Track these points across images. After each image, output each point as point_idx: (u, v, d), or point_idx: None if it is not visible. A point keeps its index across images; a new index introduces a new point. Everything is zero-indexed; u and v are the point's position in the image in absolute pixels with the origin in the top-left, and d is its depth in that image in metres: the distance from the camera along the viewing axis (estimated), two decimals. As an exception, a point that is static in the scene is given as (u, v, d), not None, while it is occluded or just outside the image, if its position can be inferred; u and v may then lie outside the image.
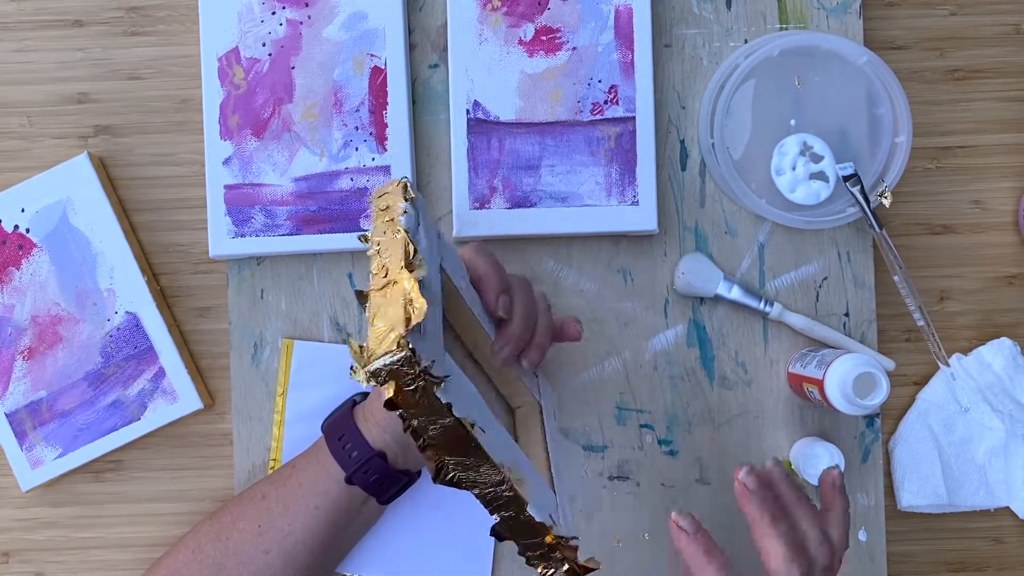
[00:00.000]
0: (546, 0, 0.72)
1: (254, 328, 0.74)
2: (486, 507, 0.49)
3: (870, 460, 0.74)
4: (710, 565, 0.58)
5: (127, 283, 0.73)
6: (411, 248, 0.48)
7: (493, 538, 0.53)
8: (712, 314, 0.74)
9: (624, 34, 0.72)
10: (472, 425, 0.46)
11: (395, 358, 0.42)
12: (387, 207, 0.53)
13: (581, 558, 0.52)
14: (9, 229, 0.73)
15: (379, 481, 0.64)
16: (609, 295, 0.74)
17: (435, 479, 0.48)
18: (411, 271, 0.46)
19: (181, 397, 0.73)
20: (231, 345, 0.74)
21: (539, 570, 0.52)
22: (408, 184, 0.54)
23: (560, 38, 0.72)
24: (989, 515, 0.76)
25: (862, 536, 0.73)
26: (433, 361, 0.43)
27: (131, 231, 0.75)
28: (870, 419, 0.74)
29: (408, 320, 0.43)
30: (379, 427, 0.63)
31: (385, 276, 0.47)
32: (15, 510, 0.75)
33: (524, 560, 0.52)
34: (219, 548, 0.65)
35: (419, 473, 0.68)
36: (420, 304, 0.44)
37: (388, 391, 0.43)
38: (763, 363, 0.74)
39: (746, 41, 0.74)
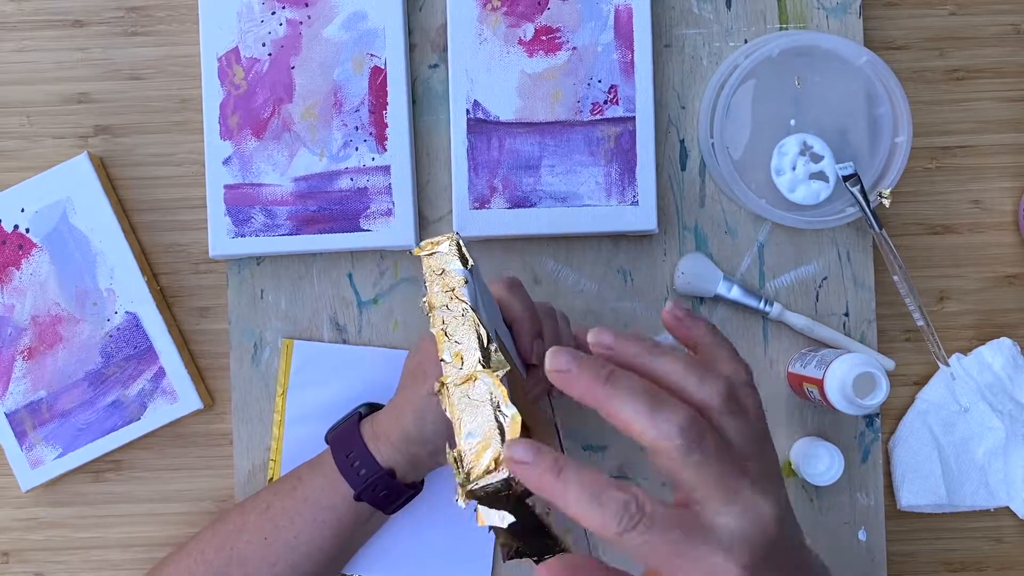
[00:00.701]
0: (546, 0, 0.72)
1: (254, 328, 0.74)
2: (537, 563, 0.49)
3: (870, 460, 0.74)
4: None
5: (127, 283, 0.73)
6: (484, 334, 0.47)
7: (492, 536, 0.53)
8: (712, 314, 0.74)
9: (624, 34, 0.72)
10: (547, 514, 0.46)
11: (497, 479, 0.42)
12: (443, 271, 0.51)
13: None
14: (9, 229, 0.73)
15: (387, 497, 0.64)
16: (609, 295, 0.74)
17: (506, 559, 0.47)
18: (490, 366, 0.46)
19: (181, 397, 0.73)
20: (231, 345, 0.74)
21: None
22: (461, 244, 0.52)
23: (560, 38, 0.72)
24: (989, 515, 0.76)
25: (862, 536, 0.73)
26: None
27: (131, 231, 0.75)
28: (870, 419, 0.74)
29: (502, 433, 0.43)
30: (389, 445, 0.63)
31: (461, 368, 0.47)
32: (15, 510, 0.75)
33: None
34: (223, 557, 0.64)
35: (423, 483, 0.68)
36: (514, 416, 0.44)
37: (494, 520, 0.43)
38: (763, 363, 0.74)
39: (746, 41, 0.74)
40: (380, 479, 0.63)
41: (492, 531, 0.46)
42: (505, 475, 0.42)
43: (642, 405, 0.39)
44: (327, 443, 0.67)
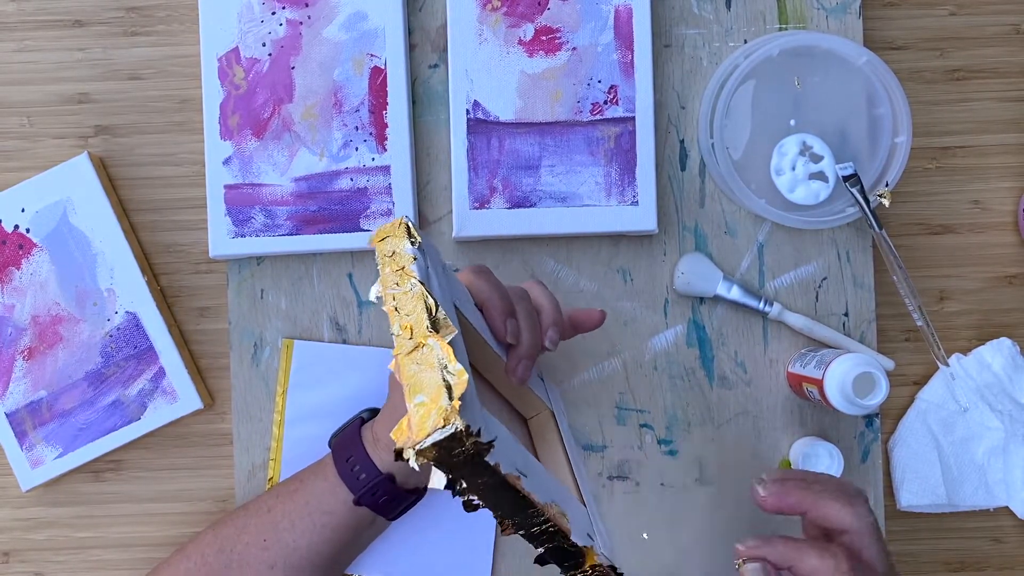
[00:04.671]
0: (546, 0, 0.72)
1: (254, 328, 0.74)
2: (531, 542, 0.48)
3: (869, 460, 0.74)
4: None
5: (127, 283, 0.73)
6: (432, 303, 0.47)
7: (493, 540, 0.52)
8: (712, 314, 0.74)
9: (624, 34, 0.72)
10: (518, 477, 0.45)
11: (445, 435, 0.41)
12: (393, 253, 0.51)
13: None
14: (9, 229, 0.73)
15: (388, 502, 0.64)
16: (609, 295, 0.74)
17: (503, 533, 0.47)
18: (438, 331, 0.45)
19: (181, 397, 0.73)
20: (231, 345, 0.74)
21: None
22: (410, 225, 0.52)
23: (560, 38, 0.72)
24: (988, 515, 0.76)
25: (862, 536, 0.73)
26: (480, 428, 0.42)
27: (131, 231, 0.75)
28: (869, 419, 0.74)
29: (450, 390, 0.42)
30: (388, 449, 0.63)
31: (411, 338, 0.46)
32: (15, 510, 0.75)
33: None
34: (223, 559, 0.64)
35: (426, 489, 0.68)
36: (459, 372, 0.43)
37: (438, 473, 0.42)
38: (763, 363, 0.74)
39: (746, 41, 0.74)
40: (380, 484, 0.63)
41: (463, 501, 0.45)
42: (452, 430, 0.41)
43: (841, 500, 0.55)
44: (330, 447, 0.67)
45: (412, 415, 0.42)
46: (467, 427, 0.41)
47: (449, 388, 0.42)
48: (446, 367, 0.43)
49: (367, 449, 0.64)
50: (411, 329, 0.46)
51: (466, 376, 0.43)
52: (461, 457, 0.42)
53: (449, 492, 0.44)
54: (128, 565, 0.75)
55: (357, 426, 0.66)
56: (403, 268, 0.50)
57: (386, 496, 0.63)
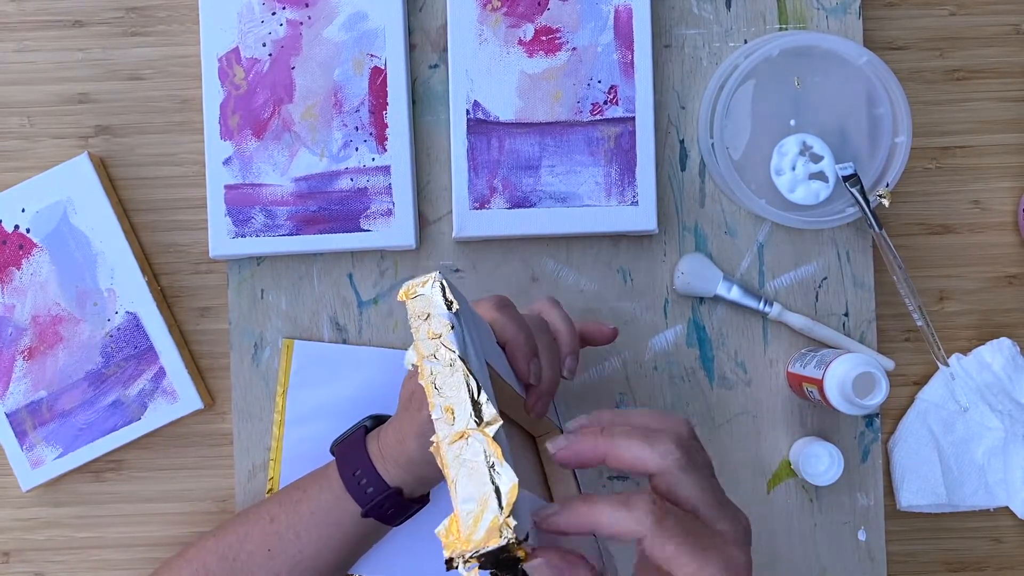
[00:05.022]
0: (546, 0, 0.72)
1: (254, 328, 0.74)
2: None
3: (869, 460, 0.74)
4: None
5: (127, 283, 0.73)
6: (474, 385, 0.45)
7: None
8: (712, 314, 0.74)
9: (624, 34, 0.72)
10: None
11: (497, 546, 0.41)
12: (427, 316, 0.48)
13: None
14: (9, 229, 0.73)
15: (395, 513, 0.64)
16: (609, 295, 0.74)
17: None
18: (481, 420, 0.44)
19: (181, 397, 0.73)
20: (231, 345, 0.74)
21: None
22: (445, 285, 0.49)
23: (560, 38, 0.72)
24: (988, 515, 0.76)
25: (862, 536, 0.74)
26: (527, 534, 0.42)
27: (131, 231, 0.75)
28: (869, 419, 0.74)
29: (499, 495, 0.41)
30: (396, 464, 0.62)
31: (452, 424, 0.44)
32: (15, 510, 0.75)
33: None
34: (226, 568, 0.64)
35: (429, 495, 0.67)
36: (510, 480, 0.42)
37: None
38: (763, 363, 0.74)
39: (746, 41, 0.74)
40: (388, 498, 0.62)
41: None
42: (504, 542, 0.40)
43: (639, 440, 0.45)
44: (332, 454, 0.67)
45: (461, 519, 0.42)
46: (517, 538, 0.41)
47: (498, 492, 0.42)
48: (493, 466, 0.42)
49: (374, 464, 0.63)
50: (452, 413, 0.45)
51: (516, 484, 0.42)
52: (508, 555, 0.42)
53: (456, 566, 0.43)
54: (128, 565, 0.75)
55: (361, 437, 0.65)
56: (440, 337, 0.47)
57: (394, 508, 0.63)
